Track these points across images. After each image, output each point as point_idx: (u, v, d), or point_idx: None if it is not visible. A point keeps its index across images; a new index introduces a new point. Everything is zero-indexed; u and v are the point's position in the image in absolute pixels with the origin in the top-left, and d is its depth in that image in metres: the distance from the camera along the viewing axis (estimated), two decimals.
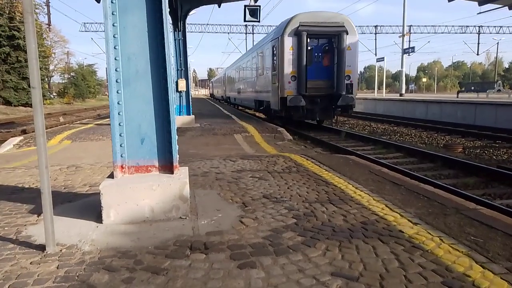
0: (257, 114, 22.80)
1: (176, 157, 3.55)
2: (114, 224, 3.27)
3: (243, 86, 24.33)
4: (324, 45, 13.73)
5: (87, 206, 3.78)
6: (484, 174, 6.95)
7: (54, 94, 54.26)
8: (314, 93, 13.37)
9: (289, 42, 13.26)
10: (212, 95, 64.49)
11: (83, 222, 3.35)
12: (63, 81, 58.33)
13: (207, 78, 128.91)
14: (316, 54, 13.69)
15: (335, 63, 13.51)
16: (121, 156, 3.49)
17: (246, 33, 48.39)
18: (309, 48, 13.33)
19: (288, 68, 13.33)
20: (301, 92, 13.22)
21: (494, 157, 10.00)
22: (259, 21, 11.85)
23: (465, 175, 7.17)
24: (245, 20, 11.66)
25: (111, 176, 3.52)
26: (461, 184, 6.60)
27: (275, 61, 14.36)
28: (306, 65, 13.12)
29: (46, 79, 49.28)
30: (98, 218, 3.33)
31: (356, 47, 14.08)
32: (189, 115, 13.61)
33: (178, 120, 11.71)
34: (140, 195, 3.34)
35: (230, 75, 33.61)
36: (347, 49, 13.45)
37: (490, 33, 50.97)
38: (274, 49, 14.30)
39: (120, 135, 3.45)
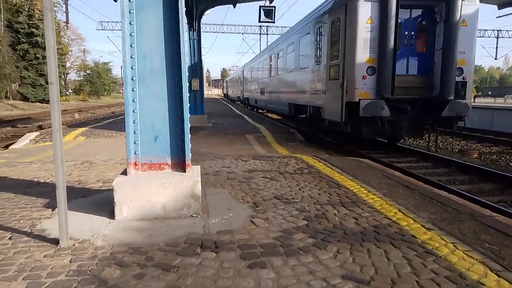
0: (270, 115, 22.59)
1: (188, 155, 3.57)
2: (126, 220, 3.30)
3: (270, 84, 18.66)
4: (419, 19, 8.67)
5: (100, 202, 3.83)
6: (500, 181, 6.81)
7: (70, 91, 55.17)
8: (402, 95, 8.32)
9: (366, 11, 8.17)
10: (226, 95, 60.95)
11: (96, 217, 3.39)
12: (79, 79, 59.23)
13: (220, 78, 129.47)
14: (406, 33, 8.60)
15: (438, 47, 8.49)
16: (135, 153, 3.52)
17: (260, 34, 48.36)
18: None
19: (363, 53, 8.22)
20: (383, 94, 8.16)
21: (511, 163, 9.79)
22: (273, 22, 11.85)
23: (480, 181, 7.04)
24: (260, 21, 11.66)
25: (124, 172, 3.56)
26: (476, 190, 6.48)
27: (336, 44, 9.10)
28: (395, 49, 8.06)
29: (63, 76, 50.13)
30: (111, 214, 3.37)
31: (475, 22, 8.72)
32: (202, 114, 13.67)
33: (191, 119, 11.74)
34: (152, 192, 3.36)
35: (249, 72, 28.26)
36: (461, 25, 8.34)
37: (509, 37, 49.98)
38: (335, 25, 9.13)
39: (134, 133, 3.49)
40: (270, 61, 18.72)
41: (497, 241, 2.91)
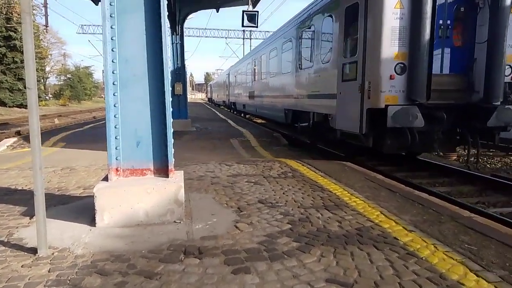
0: (255, 120, 22.55)
1: (171, 160, 3.54)
2: (108, 227, 3.24)
3: (262, 88, 16.36)
4: (456, 5, 6.90)
5: (81, 209, 3.75)
6: (479, 183, 6.97)
7: (50, 95, 54.00)
8: (437, 100, 6.60)
9: None
10: (210, 99, 58.49)
11: (76, 225, 3.32)
12: (59, 83, 58.06)
13: (203, 82, 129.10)
14: (440, 22, 6.81)
15: (481, 40, 6.76)
16: (116, 159, 3.47)
17: (243, 38, 48.50)
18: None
19: (390, 47, 6.44)
20: (416, 98, 6.44)
21: (488, 165, 10.05)
22: (257, 27, 11.88)
23: (460, 183, 7.20)
24: (243, 25, 11.68)
25: (106, 179, 3.50)
26: (455, 192, 6.62)
27: (352, 37, 7.39)
28: (432, 41, 6.42)
29: (42, 81, 49.05)
30: (92, 221, 3.30)
31: None
32: (186, 118, 13.58)
33: (174, 123, 11.62)
34: (134, 198, 3.31)
35: (237, 75, 25.66)
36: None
37: None
38: (350, 13, 7.33)
39: (115, 138, 3.43)
40: (261, 61, 16.34)
41: (476, 241, 2.98)
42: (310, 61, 9.70)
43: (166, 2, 3.51)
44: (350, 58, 7.40)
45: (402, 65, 6.47)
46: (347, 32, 7.54)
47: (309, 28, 9.76)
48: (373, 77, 6.62)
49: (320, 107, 8.98)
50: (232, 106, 29.30)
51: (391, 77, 6.46)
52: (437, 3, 6.47)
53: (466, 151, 7.92)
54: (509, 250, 2.80)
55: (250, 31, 46.08)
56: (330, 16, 8.30)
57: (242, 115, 25.42)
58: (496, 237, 3.06)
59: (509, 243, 2.93)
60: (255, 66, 18.22)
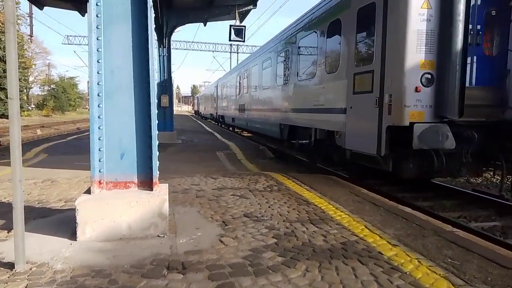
0: (242, 133, 22.54)
1: (156, 173, 3.50)
2: (89, 241, 3.16)
3: (254, 100, 15.02)
4: (487, 8, 6.10)
5: (62, 222, 3.65)
6: (460, 197, 7.09)
7: (33, 106, 53.04)
8: (468, 117, 5.63)
9: None
10: (197, 112, 56.86)
11: (56, 239, 3.23)
12: (43, 93, 57.14)
13: (190, 94, 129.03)
14: (470, 27, 5.84)
15: None
16: (99, 171, 3.41)
17: (230, 52, 48.88)
18: None
19: (416, 54, 5.59)
20: (447, 114, 5.59)
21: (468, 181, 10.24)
22: (244, 41, 12.01)
23: (442, 198, 7.31)
24: (230, 40, 11.80)
25: (88, 191, 3.43)
26: (438, 206, 6.71)
27: (367, 42, 6.55)
28: (464, 49, 5.48)
29: (25, 91, 48.14)
30: (73, 235, 3.22)
31: None
32: (172, 131, 13.50)
33: (160, 135, 11.54)
34: (117, 212, 3.25)
35: (226, 87, 24.48)
36: None
37: None
38: (364, 14, 6.44)
39: (99, 150, 3.38)
40: (253, 72, 15.09)
41: (459, 256, 3.02)
42: (312, 71, 8.71)
43: (154, 14, 3.52)
44: (364, 67, 6.44)
45: (429, 75, 5.60)
46: (359, 37, 6.61)
47: (311, 34, 8.72)
48: (395, 89, 5.68)
49: (324, 123, 7.90)
50: (220, 120, 27.73)
51: (416, 90, 5.56)
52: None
53: (493, 174, 7.05)
54: (491, 265, 2.84)
55: (237, 45, 46.49)
56: (337, 20, 7.31)
57: (231, 128, 24.33)
58: (478, 251, 3.11)
59: (490, 258, 2.97)
60: (246, 77, 16.86)
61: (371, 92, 6.11)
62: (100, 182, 3.43)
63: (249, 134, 20.55)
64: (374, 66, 6.10)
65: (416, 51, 5.55)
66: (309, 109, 8.77)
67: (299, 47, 9.68)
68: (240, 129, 21.92)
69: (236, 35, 11.51)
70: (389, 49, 5.80)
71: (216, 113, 30.07)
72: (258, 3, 12.74)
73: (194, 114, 60.70)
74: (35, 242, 3.12)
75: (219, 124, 28.88)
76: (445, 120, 5.57)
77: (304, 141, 9.35)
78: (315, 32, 8.46)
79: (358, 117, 6.53)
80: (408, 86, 5.58)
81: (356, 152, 6.67)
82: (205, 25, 14.03)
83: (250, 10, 13.01)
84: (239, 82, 18.85)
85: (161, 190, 3.52)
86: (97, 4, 3.32)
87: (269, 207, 4.42)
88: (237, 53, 48.32)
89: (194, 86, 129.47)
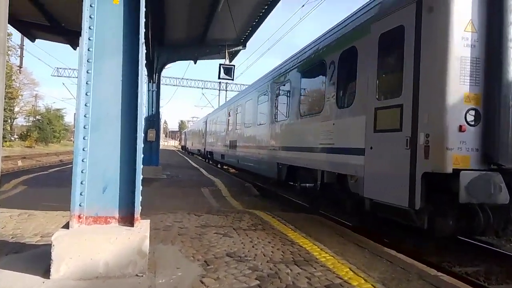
0: (228, 169, 22.41)
1: (138, 208, 3.41)
2: (63, 279, 3.01)
3: (247, 136, 13.95)
4: None
5: (36, 258, 3.48)
6: (443, 241, 7.09)
7: (16, 136, 52.14)
8: None
9: (464, 9, 4.67)
10: (184, 147, 56.06)
11: (28, 276, 3.07)
12: (28, 124, 56.40)
13: (177, 129, 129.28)
14: None
15: None
16: (80, 205, 3.31)
17: (219, 90, 49.71)
18: None
19: (459, 85, 4.66)
20: (498, 160, 4.59)
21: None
22: (232, 79, 12.29)
23: (426, 240, 7.29)
24: (219, 78, 12.06)
25: (66, 226, 3.31)
26: (423, 248, 6.68)
27: (393, 71, 5.63)
28: None
29: (9, 121, 47.57)
30: (46, 272, 3.07)
31: None
32: (157, 165, 13.37)
33: (145, 170, 11.35)
34: (95, 248, 3.13)
35: (215, 123, 23.37)
36: None
37: None
38: (388, 39, 5.60)
39: (81, 183, 3.31)
40: (247, 107, 14.11)
41: None
42: (318, 106, 7.68)
43: (145, 51, 3.60)
44: (389, 101, 5.44)
45: (475, 112, 4.65)
46: (382, 66, 5.63)
47: (318, 64, 7.71)
48: (433, 127, 4.68)
49: (335, 165, 6.73)
50: (209, 156, 26.37)
51: (460, 129, 4.58)
52: None
53: None
54: None
55: (226, 83, 47.43)
56: (352, 47, 6.34)
57: (219, 165, 23.30)
58: None
59: None
60: (238, 112, 15.78)
61: (400, 130, 5.12)
62: (79, 217, 3.32)
63: (235, 171, 20.42)
64: (403, 99, 5.12)
65: (460, 82, 4.62)
66: (314, 148, 7.59)
67: (302, 79, 8.78)
68: (229, 166, 20.64)
69: (225, 73, 11.78)
70: (424, 80, 4.84)
71: (204, 149, 28.87)
72: (247, 44, 13.20)
73: (181, 149, 60.17)
74: (5, 279, 2.96)
75: (207, 161, 27.88)
76: (495, 168, 4.60)
77: (307, 185, 8.05)
78: (323, 62, 7.42)
79: (382, 159, 5.38)
80: (451, 124, 4.57)
81: (379, 202, 5.41)
82: (195, 63, 14.41)
83: (239, 50, 13.44)
84: (231, 117, 17.79)
85: (142, 227, 3.42)
86: (89, 39, 3.37)
87: (252, 246, 4.33)
88: (226, 90, 49.18)
89: (181, 121, 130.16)
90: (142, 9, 3.47)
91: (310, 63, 8.30)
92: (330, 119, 7.02)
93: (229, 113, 18.11)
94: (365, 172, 5.68)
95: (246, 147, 13.90)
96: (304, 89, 8.82)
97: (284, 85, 10.02)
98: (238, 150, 15.36)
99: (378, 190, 5.48)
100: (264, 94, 11.70)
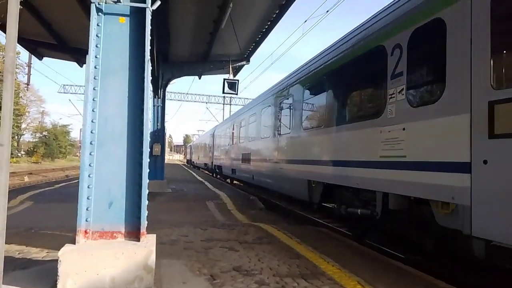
0: (233, 182, 22.33)
1: (144, 223, 3.43)
2: None
3: (265, 148, 11.85)
4: None
5: (42, 275, 3.50)
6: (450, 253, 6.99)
7: (23, 152, 52.61)
8: None
9: None
10: (190, 161, 54.38)
11: None
12: (34, 140, 56.95)
13: (182, 143, 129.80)
14: None
15: None
16: (86, 220, 3.34)
17: (224, 104, 50.05)
18: None
19: None
20: None
21: None
22: (237, 94, 12.38)
23: (432, 252, 7.19)
24: (223, 92, 12.16)
25: (73, 241, 3.32)
26: (428, 260, 6.59)
27: None
28: None
29: (16, 137, 48.10)
30: None
31: None
32: (162, 179, 13.40)
33: (150, 184, 11.31)
34: (102, 263, 3.14)
35: (225, 134, 20.95)
36: None
37: None
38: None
39: (87, 198, 3.34)
40: (265, 114, 11.98)
41: None
42: (376, 107, 5.71)
43: (151, 67, 3.66)
44: None
45: None
46: (500, 38, 3.82)
47: (370, 53, 5.90)
48: None
49: (408, 186, 4.81)
50: (217, 170, 24.34)
51: None
52: None
53: None
54: None
55: (230, 97, 47.73)
56: (436, 21, 4.58)
57: (228, 180, 21.88)
58: None
59: None
60: (252, 122, 13.81)
61: None
62: (86, 232, 3.34)
63: (240, 184, 20.28)
64: None
65: None
66: (370, 163, 5.65)
67: (345, 74, 6.78)
68: (241, 182, 18.49)
69: (230, 88, 11.88)
70: None
71: (212, 163, 26.83)
72: (251, 59, 13.34)
73: (186, 163, 59.42)
74: None
75: (214, 175, 26.64)
76: None
77: (359, 211, 6.09)
78: (381, 49, 5.58)
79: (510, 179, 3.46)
80: None
81: (505, 246, 3.52)
82: (199, 78, 14.54)
83: (243, 65, 13.58)
84: (243, 128, 15.58)
85: (148, 241, 3.43)
86: (96, 57, 3.45)
87: (258, 260, 4.30)
88: (230, 104, 49.47)
89: (186, 135, 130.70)
90: (148, 27, 3.55)
91: (357, 52, 6.29)
92: (397, 123, 5.18)
93: (241, 123, 16.13)
94: (474, 199, 3.77)
95: (264, 160, 11.83)
96: (350, 86, 6.77)
97: (316, 85, 7.98)
98: (253, 165, 13.30)
99: (503, 227, 3.50)
100: (289, 98, 9.69)
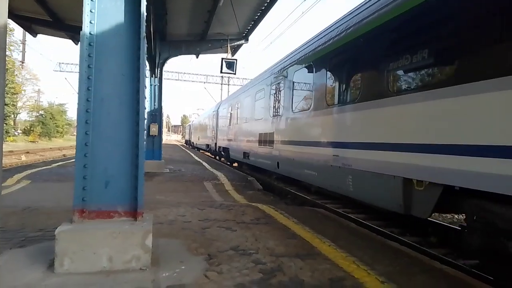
0: (232, 163, 22.24)
1: (141, 203, 3.41)
2: (67, 273, 3.03)
3: (306, 124, 8.43)
4: None
5: (40, 253, 3.50)
6: (447, 232, 7.07)
7: (19, 131, 52.39)
8: None
9: None
10: (188, 142, 50.19)
11: (32, 270, 3.08)
12: (31, 119, 56.59)
13: (180, 124, 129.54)
14: None
15: None
16: (83, 199, 3.32)
17: (222, 84, 49.68)
18: None
19: None
20: None
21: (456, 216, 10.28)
22: (235, 73, 12.23)
23: (429, 234, 7.28)
24: (221, 72, 12.01)
25: (70, 220, 3.32)
26: (425, 242, 6.67)
27: None
28: None
29: (12, 116, 47.76)
30: (50, 267, 3.09)
31: None
32: (159, 160, 13.39)
33: (148, 164, 11.45)
34: (99, 243, 3.14)
35: (235, 109, 17.31)
36: None
37: None
38: None
39: (84, 178, 3.31)
40: (297, 79, 9.02)
41: None
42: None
43: (146, 45, 3.57)
44: None
45: None
46: None
47: None
48: None
49: None
50: (222, 153, 20.46)
51: None
52: None
53: None
54: None
55: (228, 77, 47.34)
56: None
57: (229, 162, 19.46)
58: None
59: None
60: (277, 90, 10.40)
61: None
62: (82, 211, 3.33)
63: (237, 165, 20.15)
64: None
65: None
66: None
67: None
68: (257, 169, 14.16)
69: (228, 67, 11.74)
70: None
71: (215, 144, 22.74)
72: (250, 38, 13.12)
73: (185, 144, 57.01)
74: (9, 273, 2.98)
75: (217, 158, 23.30)
76: None
77: None
78: None
79: None
80: None
81: None
82: (197, 57, 14.32)
83: (242, 44, 13.37)
84: (262, 101, 12.14)
85: (146, 221, 3.42)
86: (90, 33, 3.35)
87: (255, 240, 4.33)
88: (228, 84, 49.14)
89: (184, 115, 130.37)
90: (143, 3, 3.44)
91: None
92: None
93: (257, 95, 12.76)
94: None
95: (304, 143, 8.31)
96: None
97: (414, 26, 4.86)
98: (278, 148, 10.11)
99: None
100: (355, 56, 6.31)
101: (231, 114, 18.41)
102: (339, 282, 3.12)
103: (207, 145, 28.33)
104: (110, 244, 3.16)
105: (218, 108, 23.09)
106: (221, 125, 21.25)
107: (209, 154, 27.77)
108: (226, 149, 19.22)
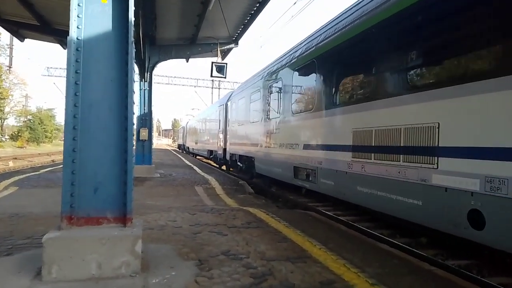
0: (222, 167, 22.16)
1: (130, 209, 3.39)
2: (55, 281, 2.98)
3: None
4: None
5: (27, 261, 3.45)
6: (437, 233, 7.14)
7: (7, 137, 51.62)
8: None
9: None
10: (182, 147, 45.84)
11: (20, 279, 3.03)
12: (19, 124, 55.81)
13: (171, 128, 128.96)
14: None
15: None
16: (71, 206, 3.28)
17: (212, 88, 49.63)
18: None
19: None
20: None
21: None
22: (225, 77, 12.24)
23: (419, 235, 7.34)
24: (212, 76, 12.01)
25: (58, 227, 3.27)
26: (415, 243, 6.73)
27: None
28: None
29: (0, 121, 47.07)
30: (38, 275, 3.04)
31: None
32: (150, 164, 13.30)
33: (138, 169, 11.36)
34: (87, 249, 3.10)
35: (267, 98, 10.53)
36: None
37: None
38: None
39: (72, 184, 3.27)
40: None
41: None
42: None
43: (134, 50, 3.56)
44: None
45: None
46: None
47: None
48: None
49: None
50: (239, 164, 14.70)
51: None
52: None
53: None
54: None
55: (219, 81, 47.35)
56: None
57: (220, 166, 16.82)
58: None
59: None
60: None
61: None
62: (71, 218, 3.29)
63: (230, 169, 19.98)
64: None
65: None
66: None
67: None
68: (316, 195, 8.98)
69: (218, 71, 11.74)
70: None
71: (224, 150, 17.20)
72: (239, 42, 13.16)
73: (177, 149, 52.86)
74: None
75: (225, 168, 18.39)
76: None
77: None
78: None
79: None
80: None
81: None
82: (187, 61, 14.31)
83: (231, 48, 13.39)
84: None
85: (135, 227, 3.40)
86: (77, 38, 3.33)
87: (246, 244, 4.32)
88: (219, 88, 49.12)
89: (175, 119, 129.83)
90: (131, 8, 3.43)
91: None
92: None
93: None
94: None
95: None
96: None
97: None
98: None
99: None
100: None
101: (252, 108, 12.37)
102: (329, 285, 3.13)
103: (210, 151, 22.49)
104: (99, 251, 3.13)
105: (229, 101, 16.83)
106: (236, 123, 15.08)
107: (214, 164, 21.50)
108: (245, 158, 13.70)
